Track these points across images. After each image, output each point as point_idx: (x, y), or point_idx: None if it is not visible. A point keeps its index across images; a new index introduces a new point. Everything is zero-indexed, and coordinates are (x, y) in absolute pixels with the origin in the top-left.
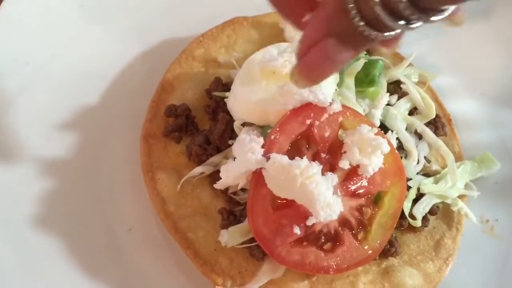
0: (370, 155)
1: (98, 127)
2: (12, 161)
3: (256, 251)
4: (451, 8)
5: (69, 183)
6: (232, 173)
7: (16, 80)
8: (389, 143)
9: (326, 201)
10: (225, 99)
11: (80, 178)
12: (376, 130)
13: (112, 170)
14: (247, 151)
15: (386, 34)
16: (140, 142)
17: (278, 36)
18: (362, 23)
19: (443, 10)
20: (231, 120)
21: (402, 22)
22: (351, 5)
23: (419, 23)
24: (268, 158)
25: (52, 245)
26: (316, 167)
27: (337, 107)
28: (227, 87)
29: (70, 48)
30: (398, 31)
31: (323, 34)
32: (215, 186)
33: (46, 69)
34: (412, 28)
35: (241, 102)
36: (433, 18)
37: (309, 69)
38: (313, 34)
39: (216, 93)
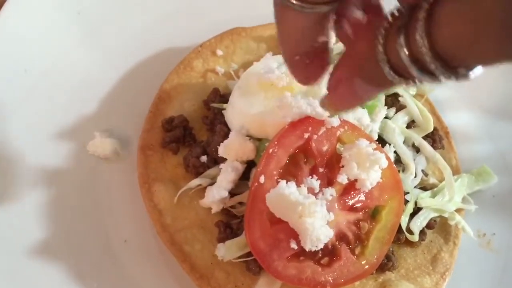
0: (368, 169)
1: (94, 136)
2: (8, 170)
3: (253, 265)
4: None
5: (65, 193)
6: (209, 198)
7: (14, 88)
8: (387, 158)
9: (317, 236)
10: (223, 111)
11: (77, 187)
12: (374, 145)
13: (110, 180)
14: (216, 186)
15: (412, 82)
16: (137, 153)
17: (276, 48)
18: (389, 70)
19: (472, 68)
20: (228, 132)
21: (429, 75)
22: (380, 52)
23: (447, 78)
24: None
25: (47, 254)
26: (320, 205)
27: (336, 121)
28: (225, 98)
29: (68, 56)
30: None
31: (352, 74)
32: (200, 203)
33: (44, 77)
34: (440, 82)
35: (239, 114)
36: (462, 76)
37: (338, 101)
38: (343, 72)
39: (214, 105)
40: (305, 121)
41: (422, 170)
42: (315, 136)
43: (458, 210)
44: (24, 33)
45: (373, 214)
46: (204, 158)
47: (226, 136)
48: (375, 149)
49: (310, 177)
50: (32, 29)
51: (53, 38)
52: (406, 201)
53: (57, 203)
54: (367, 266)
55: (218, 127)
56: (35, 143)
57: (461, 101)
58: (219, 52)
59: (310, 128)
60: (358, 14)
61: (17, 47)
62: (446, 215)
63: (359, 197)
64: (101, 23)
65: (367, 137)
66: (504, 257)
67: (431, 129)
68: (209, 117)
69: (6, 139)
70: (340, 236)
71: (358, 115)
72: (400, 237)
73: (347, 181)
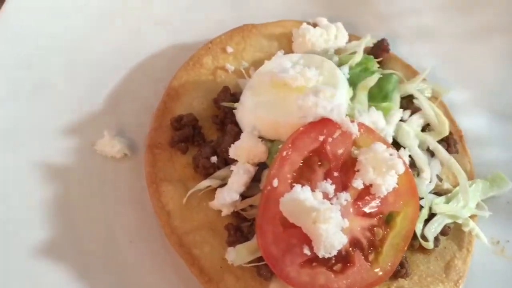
0: (384, 174)
1: (102, 134)
2: (14, 167)
3: (264, 270)
4: None
5: (71, 191)
6: (220, 201)
7: (17, 84)
8: (404, 163)
9: (331, 243)
10: (234, 110)
11: (83, 186)
12: (391, 149)
13: (117, 179)
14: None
15: None
16: (145, 152)
17: (287, 45)
18: None
19: None
20: (239, 132)
21: None
22: None
23: None
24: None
25: (52, 253)
26: (334, 210)
27: (354, 127)
28: (235, 97)
29: (72, 52)
30: None
31: None
32: (210, 204)
33: (50, 74)
34: None
35: (250, 114)
36: None
37: None
38: None
39: (225, 104)
40: (320, 123)
41: (437, 175)
42: (330, 139)
43: (471, 216)
44: (27, 28)
45: (388, 220)
46: (214, 159)
47: (237, 136)
48: (392, 154)
49: (325, 181)
50: (37, 23)
51: (59, 33)
52: (421, 207)
53: (63, 202)
54: (381, 273)
55: (229, 126)
56: (42, 141)
57: (474, 104)
58: (229, 49)
59: (325, 131)
60: None
61: (20, 42)
62: (460, 221)
63: (374, 202)
64: (108, 17)
65: (383, 141)
66: None
67: (447, 133)
68: (219, 116)
69: (13, 137)
70: (354, 242)
71: (373, 118)
72: (414, 243)
73: (363, 186)
